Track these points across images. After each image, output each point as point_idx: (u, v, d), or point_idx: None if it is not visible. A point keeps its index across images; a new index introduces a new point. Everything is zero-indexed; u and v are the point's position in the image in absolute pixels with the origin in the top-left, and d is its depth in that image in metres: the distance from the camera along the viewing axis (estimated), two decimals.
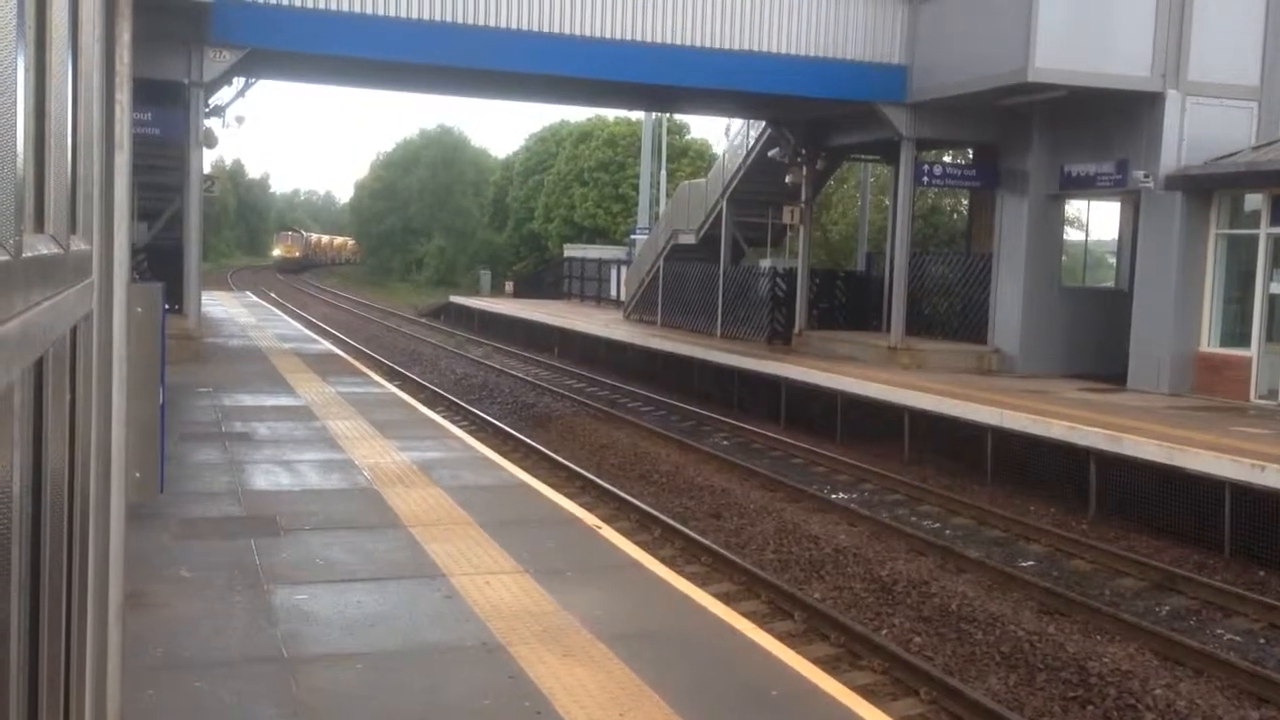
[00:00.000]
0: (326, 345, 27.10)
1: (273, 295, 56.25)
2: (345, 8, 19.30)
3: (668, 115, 46.45)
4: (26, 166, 1.46)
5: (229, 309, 37.27)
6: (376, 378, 20.53)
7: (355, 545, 8.53)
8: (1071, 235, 24.35)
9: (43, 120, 1.61)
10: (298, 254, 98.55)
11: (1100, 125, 20.43)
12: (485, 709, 5.62)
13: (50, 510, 1.75)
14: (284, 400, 16.31)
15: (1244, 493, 12.36)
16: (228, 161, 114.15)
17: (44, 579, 1.71)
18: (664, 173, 47.43)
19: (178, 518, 9.08)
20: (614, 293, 42.71)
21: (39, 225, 1.60)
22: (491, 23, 19.95)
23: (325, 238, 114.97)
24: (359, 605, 7.12)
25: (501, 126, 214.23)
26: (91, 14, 2.25)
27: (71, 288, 1.89)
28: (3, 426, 1.28)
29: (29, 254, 1.41)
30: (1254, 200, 18.47)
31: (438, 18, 19.72)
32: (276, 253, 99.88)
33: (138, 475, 4.73)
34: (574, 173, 60.32)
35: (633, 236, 45.07)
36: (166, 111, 19.61)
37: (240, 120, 24.76)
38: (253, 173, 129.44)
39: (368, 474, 11.17)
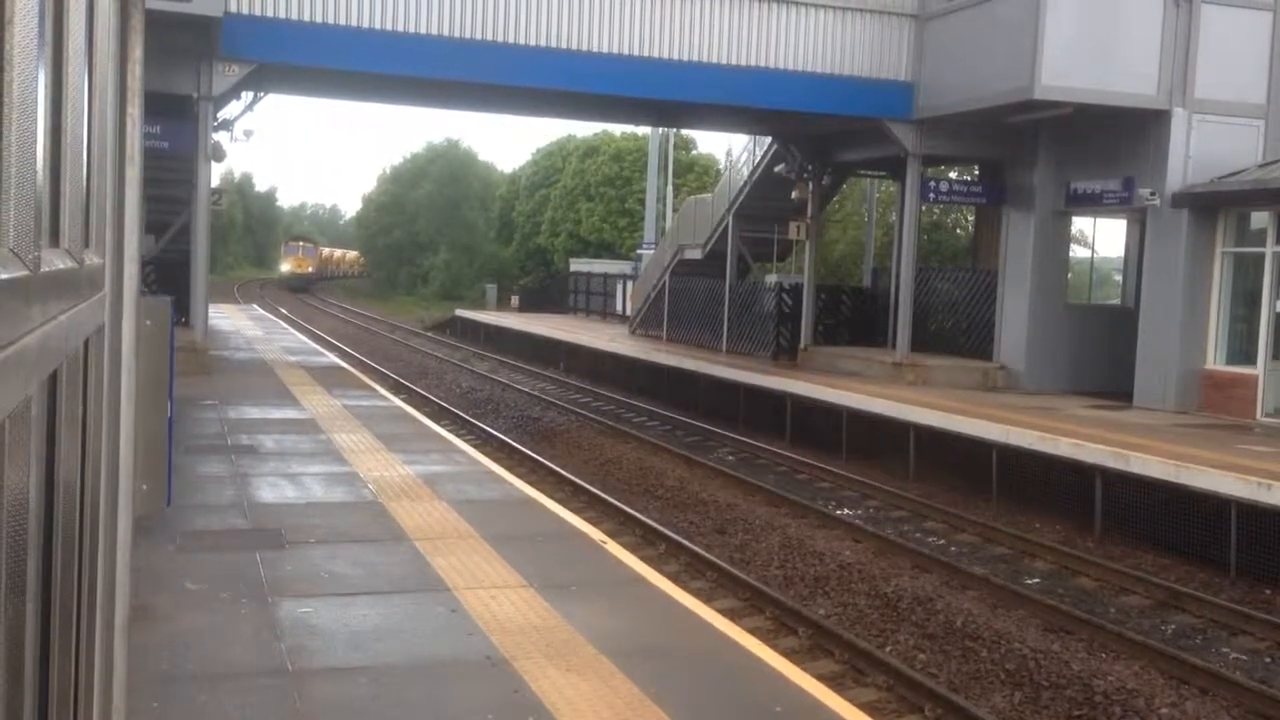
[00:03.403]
0: (332, 358, 27.12)
1: (279, 309, 56.35)
2: (353, 23, 19.39)
3: (674, 130, 46.54)
4: (44, 182, 1.48)
5: (236, 322, 37.34)
6: (382, 391, 20.55)
7: (360, 559, 8.54)
8: (1077, 252, 24.36)
9: (59, 137, 1.62)
10: (310, 269, 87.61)
11: (1106, 143, 20.45)
12: None
13: (62, 522, 1.76)
14: (290, 413, 16.32)
15: (1250, 511, 12.33)
16: (236, 175, 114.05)
17: (55, 590, 1.72)
18: (670, 188, 47.51)
19: (183, 530, 9.09)
20: (620, 307, 42.74)
21: (54, 240, 1.62)
22: (499, 38, 20.03)
23: (337, 251, 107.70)
24: (363, 619, 7.13)
25: (508, 141, 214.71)
26: (107, 32, 2.28)
27: (85, 301, 1.91)
28: (20, 439, 1.30)
29: (47, 269, 1.43)
30: (1260, 218, 18.46)
31: (445, 33, 19.80)
32: (285, 267, 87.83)
33: (145, 487, 4.74)
34: (580, 187, 60.44)
35: (639, 251, 45.13)
36: (175, 125, 19.69)
37: (249, 134, 24.85)
38: (260, 186, 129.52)
39: (373, 487, 11.18)
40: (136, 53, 2.99)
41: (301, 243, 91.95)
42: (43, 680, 1.64)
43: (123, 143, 2.87)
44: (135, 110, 3.00)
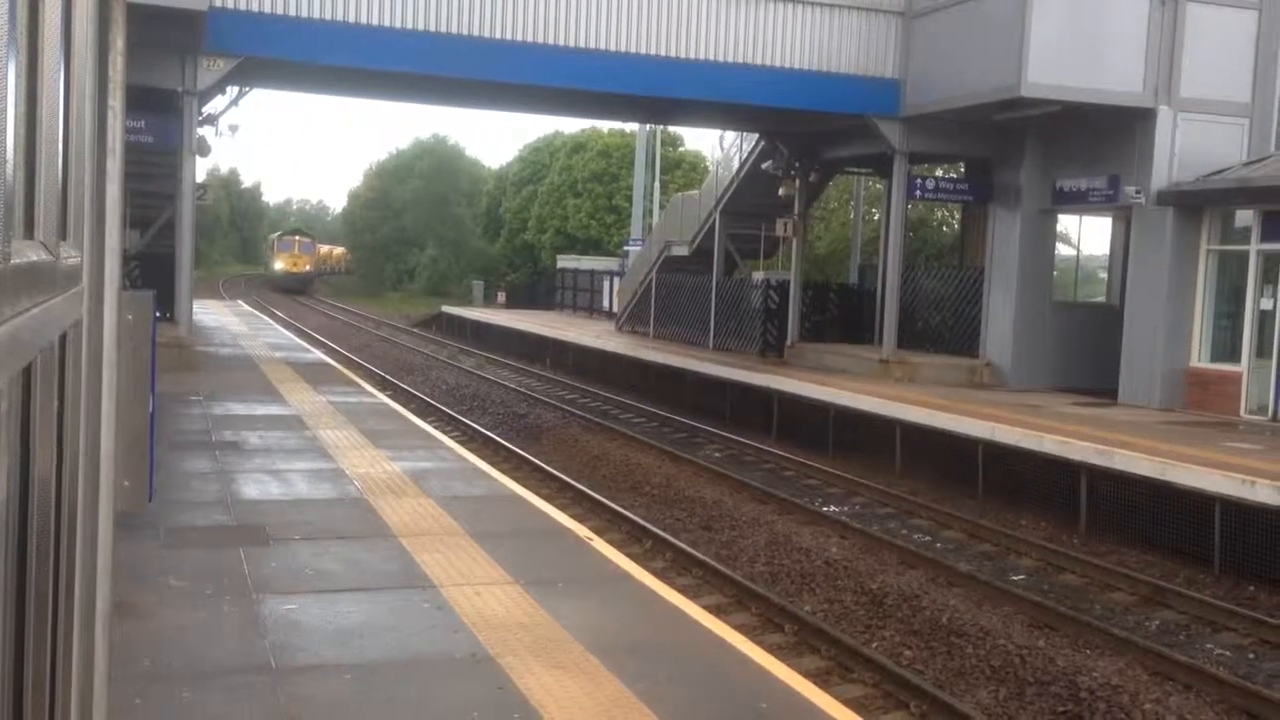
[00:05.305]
0: (318, 354, 27.05)
1: (265, 305, 56.17)
2: (339, 17, 19.32)
3: (662, 127, 46.53)
4: (16, 173, 1.46)
5: (221, 317, 37.20)
6: (368, 387, 20.50)
7: (345, 555, 8.51)
8: (1063, 250, 24.44)
9: (34, 127, 1.60)
10: (308, 267, 78.64)
11: (1093, 140, 20.51)
12: None
13: (37, 518, 1.74)
14: (275, 409, 16.27)
15: (1234, 508, 12.38)
16: (223, 170, 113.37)
17: (30, 588, 1.70)
18: (657, 184, 47.50)
19: (167, 527, 9.05)
20: (606, 304, 42.71)
21: (29, 232, 1.60)
22: (486, 33, 19.98)
23: (333, 249, 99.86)
24: (348, 615, 7.10)
25: (495, 136, 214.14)
26: (85, 22, 2.25)
27: (61, 295, 1.88)
28: None
29: (18, 261, 1.41)
30: (1245, 216, 18.54)
31: (432, 28, 19.74)
32: (279, 266, 77.75)
33: (127, 484, 4.71)
34: (568, 184, 60.39)
35: (626, 248, 45.10)
36: (160, 119, 19.60)
37: (234, 129, 24.75)
38: (246, 181, 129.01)
39: (358, 484, 11.14)
40: (118, 44, 2.95)
41: (298, 238, 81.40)
42: (17, 679, 1.62)
43: (103, 135, 2.84)
44: (117, 103, 2.96)
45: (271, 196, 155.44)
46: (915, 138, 22.12)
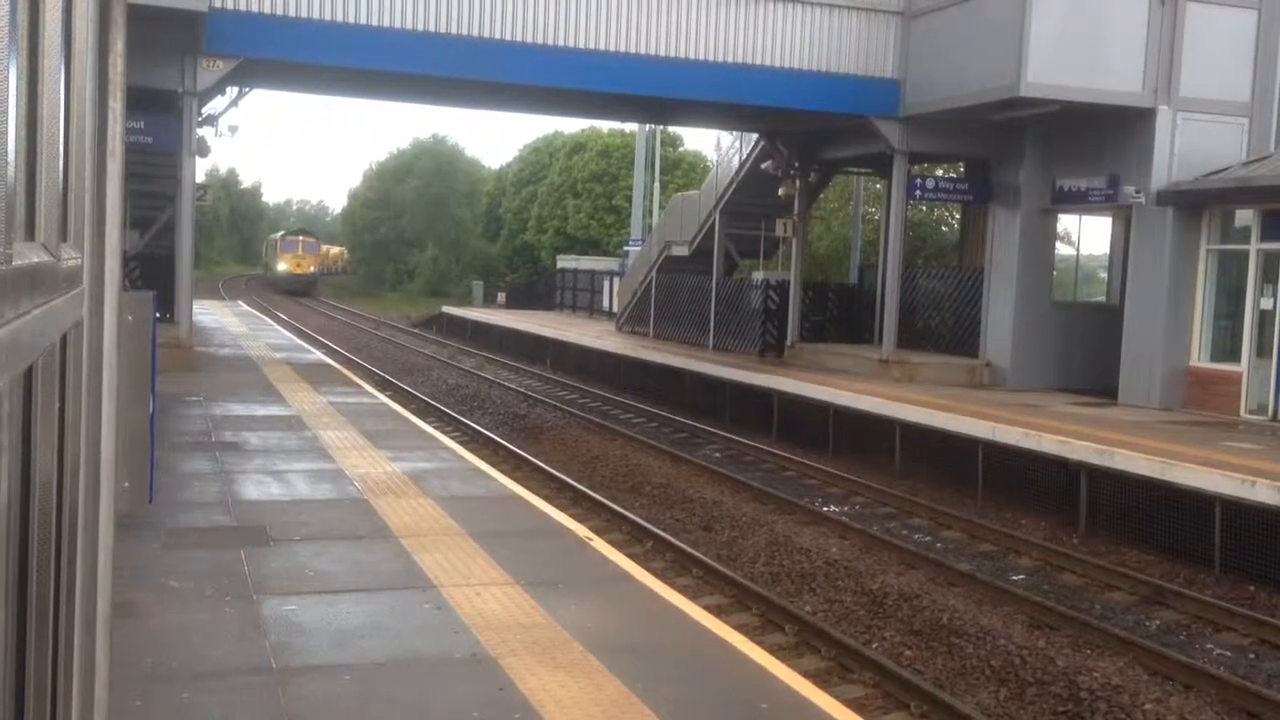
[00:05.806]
0: (318, 355, 27.05)
1: (265, 305, 56.16)
2: (339, 18, 19.31)
3: (662, 127, 46.52)
4: (18, 174, 1.46)
5: (221, 318, 37.20)
6: (368, 388, 20.50)
7: (345, 556, 8.51)
8: (1063, 250, 24.44)
9: (35, 128, 1.60)
10: (312, 269, 76.48)
11: (1092, 140, 20.51)
12: None
13: (38, 519, 1.75)
14: (275, 410, 16.27)
15: (1234, 508, 12.38)
16: (223, 170, 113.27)
17: (31, 588, 1.71)
18: (657, 184, 47.49)
19: (167, 527, 9.05)
20: (606, 304, 42.69)
21: (29, 233, 1.60)
22: (486, 34, 19.97)
23: (330, 248, 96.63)
24: (348, 616, 7.10)
25: (495, 137, 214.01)
26: (85, 23, 2.25)
27: (62, 296, 1.88)
28: None
29: (20, 262, 1.41)
30: (1244, 216, 18.54)
31: (432, 28, 19.74)
32: (282, 267, 75.22)
33: (127, 484, 4.73)
34: (567, 184, 60.37)
35: (626, 248, 45.08)
36: (160, 120, 19.60)
37: (234, 129, 24.76)
38: (246, 181, 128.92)
39: (358, 484, 11.14)
40: (118, 45, 2.96)
41: (302, 238, 78.86)
42: (18, 680, 1.62)
43: (104, 136, 2.84)
44: (117, 104, 2.96)
45: (271, 197, 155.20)
46: (915, 138, 22.12)
